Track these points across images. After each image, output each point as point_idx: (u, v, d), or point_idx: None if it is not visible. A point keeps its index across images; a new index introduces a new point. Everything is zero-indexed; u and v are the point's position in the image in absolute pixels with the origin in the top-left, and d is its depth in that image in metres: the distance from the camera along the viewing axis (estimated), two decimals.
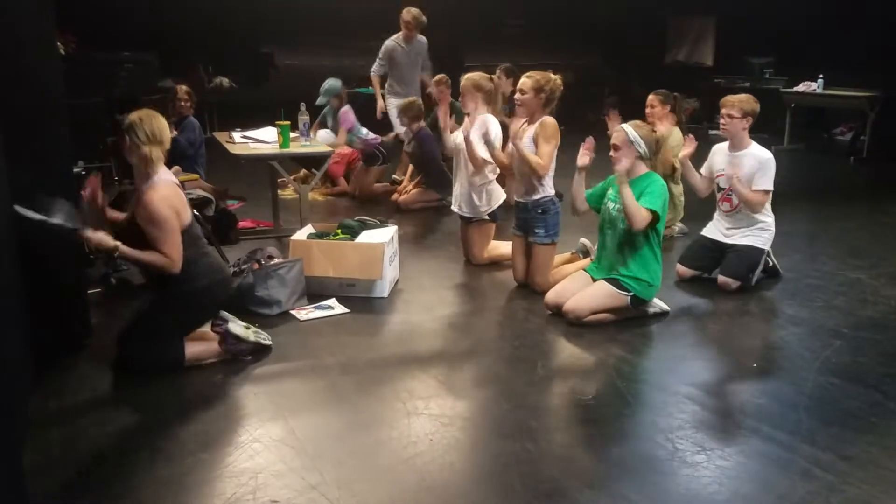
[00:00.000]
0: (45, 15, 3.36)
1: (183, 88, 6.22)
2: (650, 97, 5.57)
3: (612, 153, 3.96)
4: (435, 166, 6.65)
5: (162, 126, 3.36)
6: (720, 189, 4.62)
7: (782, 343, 3.82)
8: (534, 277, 4.45)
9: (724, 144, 4.61)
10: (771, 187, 4.41)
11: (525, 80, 4.43)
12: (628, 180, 3.86)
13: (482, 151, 4.73)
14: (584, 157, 4.09)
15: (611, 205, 4.03)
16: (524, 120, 4.50)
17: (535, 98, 4.37)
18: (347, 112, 7.19)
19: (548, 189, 4.44)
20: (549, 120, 4.38)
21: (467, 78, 4.92)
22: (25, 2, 3.22)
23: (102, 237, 3.21)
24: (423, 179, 6.78)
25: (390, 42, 7.56)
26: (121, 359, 3.39)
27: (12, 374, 2.59)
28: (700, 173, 4.72)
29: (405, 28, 7.53)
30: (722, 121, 4.55)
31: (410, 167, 7.03)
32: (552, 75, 4.46)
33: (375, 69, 7.63)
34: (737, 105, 4.48)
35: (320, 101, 7.17)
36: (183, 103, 6.11)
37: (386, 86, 7.68)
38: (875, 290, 4.46)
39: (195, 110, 6.27)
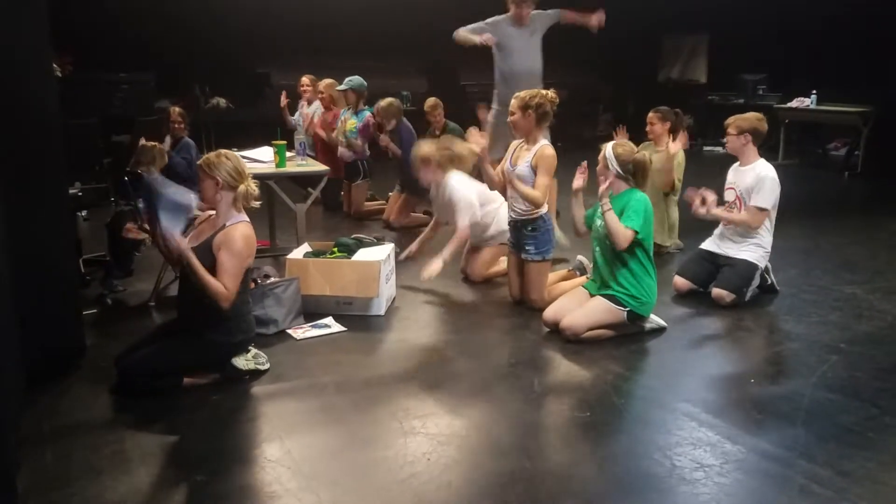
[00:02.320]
0: (40, 37, 3.38)
1: (176, 110, 6.24)
2: (650, 115, 5.63)
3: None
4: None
5: (243, 166, 3.54)
6: (724, 202, 4.66)
7: (779, 358, 3.82)
8: (529, 294, 4.45)
9: (737, 162, 4.71)
10: (766, 206, 4.44)
11: (512, 101, 4.46)
12: (610, 197, 3.90)
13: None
14: (577, 180, 4.12)
15: (598, 222, 4.05)
16: (521, 140, 4.52)
17: (524, 117, 4.39)
18: (370, 120, 7.02)
19: (540, 207, 4.45)
20: (549, 151, 4.38)
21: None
22: (21, 24, 3.24)
23: (182, 241, 3.27)
24: (400, 181, 6.75)
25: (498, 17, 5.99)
26: (119, 378, 3.38)
27: (6, 393, 2.58)
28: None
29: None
30: (724, 139, 4.70)
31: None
32: (541, 91, 4.49)
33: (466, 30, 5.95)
34: (732, 123, 4.62)
35: (341, 87, 7.02)
36: (177, 125, 6.14)
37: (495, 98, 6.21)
38: (870, 304, 4.47)
39: (191, 131, 6.30)
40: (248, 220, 3.52)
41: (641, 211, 3.88)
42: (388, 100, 6.94)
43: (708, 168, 4.94)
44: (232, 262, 3.35)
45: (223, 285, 3.32)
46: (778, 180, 4.49)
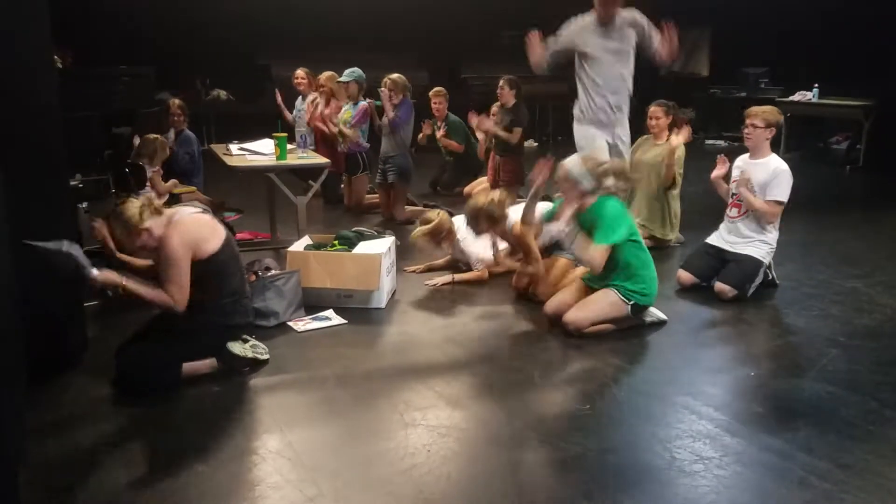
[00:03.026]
0: (41, 29, 3.38)
1: (175, 103, 6.24)
2: (652, 108, 5.59)
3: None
4: (400, 146, 6.65)
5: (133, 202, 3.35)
6: (732, 194, 4.65)
7: (779, 352, 3.83)
8: (535, 287, 4.44)
9: (746, 155, 4.67)
10: (784, 198, 4.44)
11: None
12: (578, 215, 3.91)
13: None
14: (539, 177, 4.02)
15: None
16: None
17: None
18: (366, 107, 6.97)
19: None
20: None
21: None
22: (21, 17, 3.24)
23: (108, 275, 3.23)
24: (381, 171, 6.75)
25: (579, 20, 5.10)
26: (118, 371, 3.38)
27: (8, 386, 2.58)
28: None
29: None
30: (746, 130, 4.59)
31: None
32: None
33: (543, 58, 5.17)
34: (760, 115, 4.53)
35: (343, 79, 6.92)
36: (176, 118, 6.13)
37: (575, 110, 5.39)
38: (871, 298, 4.47)
39: (191, 123, 6.29)
40: (171, 220, 3.35)
41: (609, 225, 3.82)
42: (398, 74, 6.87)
43: (709, 162, 4.92)
44: (167, 271, 3.27)
45: (169, 294, 3.26)
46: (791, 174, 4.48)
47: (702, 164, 4.77)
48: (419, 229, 4.84)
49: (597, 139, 5.20)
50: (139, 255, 3.46)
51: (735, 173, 4.66)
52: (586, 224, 3.89)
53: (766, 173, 4.47)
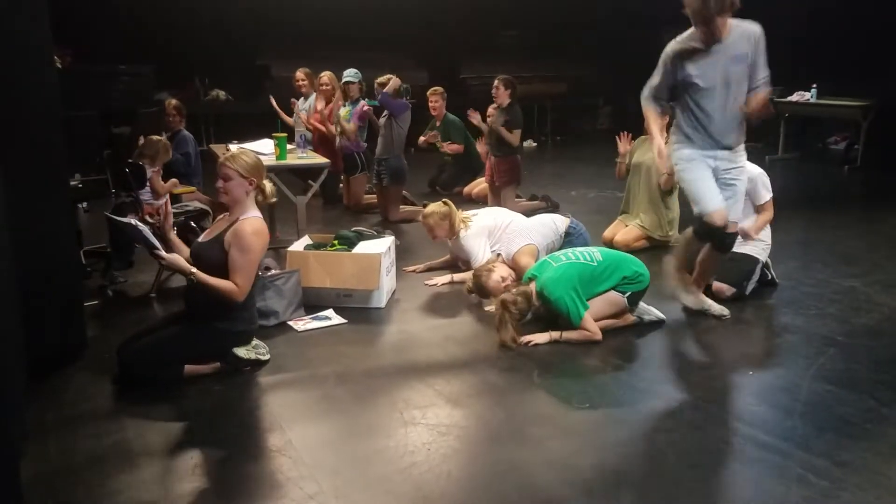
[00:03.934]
0: (41, 28, 3.39)
1: (171, 103, 6.24)
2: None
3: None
4: (394, 147, 6.67)
5: (260, 164, 3.57)
6: None
7: (777, 350, 3.84)
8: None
9: None
10: (770, 195, 4.47)
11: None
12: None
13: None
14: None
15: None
16: None
17: None
18: (364, 108, 6.97)
19: None
20: None
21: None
22: (21, 16, 3.25)
23: (178, 259, 3.31)
24: (377, 171, 6.77)
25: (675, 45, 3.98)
26: (120, 365, 3.39)
27: (9, 384, 2.59)
28: None
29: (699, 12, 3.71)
30: None
31: None
32: None
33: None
34: None
35: (349, 79, 6.91)
36: (171, 118, 6.13)
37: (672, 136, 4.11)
38: (868, 297, 4.49)
39: (190, 123, 6.29)
40: (259, 215, 3.53)
41: (572, 299, 3.78)
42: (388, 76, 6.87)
43: None
44: (243, 259, 3.37)
45: (235, 283, 3.35)
46: (763, 171, 4.51)
47: None
48: (432, 207, 4.90)
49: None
50: (219, 197, 3.55)
51: None
52: (551, 315, 3.89)
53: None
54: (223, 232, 3.44)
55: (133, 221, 3.47)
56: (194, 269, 3.31)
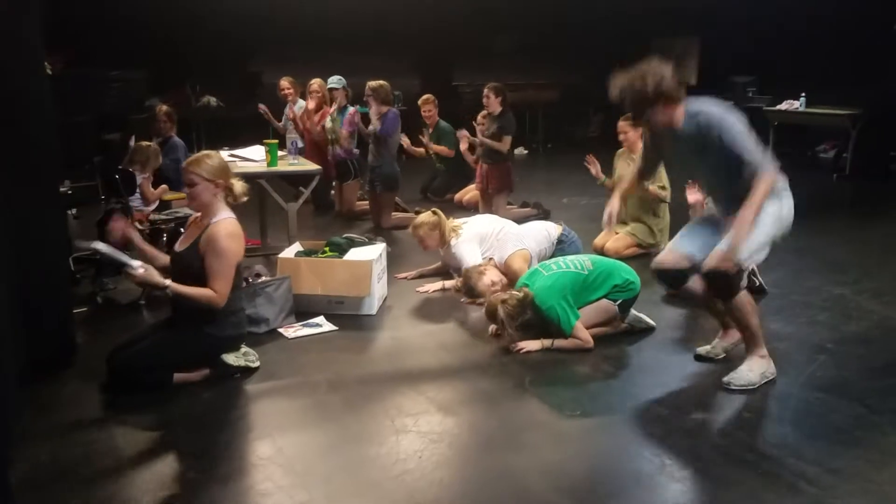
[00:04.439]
0: (33, 34, 3.37)
1: (163, 109, 6.22)
2: (620, 123, 5.62)
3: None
4: (387, 155, 6.69)
5: (226, 165, 3.51)
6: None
7: None
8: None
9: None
10: None
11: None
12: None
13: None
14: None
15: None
16: None
17: None
18: (355, 115, 7.00)
19: None
20: None
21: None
22: (14, 21, 3.23)
23: (150, 274, 3.25)
24: (370, 178, 6.79)
25: None
26: (110, 371, 3.37)
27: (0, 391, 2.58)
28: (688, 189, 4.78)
29: None
30: None
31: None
32: None
33: None
34: None
35: (333, 86, 6.94)
36: (162, 124, 6.11)
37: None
38: (858, 304, 4.51)
39: (182, 129, 6.27)
40: (233, 216, 3.47)
41: (564, 310, 3.79)
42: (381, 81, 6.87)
43: None
44: (219, 264, 3.32)
45: (213, 289, 3.31)
46: None
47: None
48: (421, 218, 4.90)
49: None
50: (188, 204, 3.57)
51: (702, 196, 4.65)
52: (543, 323, 3.88)
53: None
54: (197, 238, 3.40)
55: (95, 246, 3.32)
56: (168, 283, 3.26)
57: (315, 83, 7.32)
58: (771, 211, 3.34)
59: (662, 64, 3.25)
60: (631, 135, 5.53)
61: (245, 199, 3.58)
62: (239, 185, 3.51)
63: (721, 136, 3.24)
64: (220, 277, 3.32)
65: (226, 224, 3.39)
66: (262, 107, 7.87)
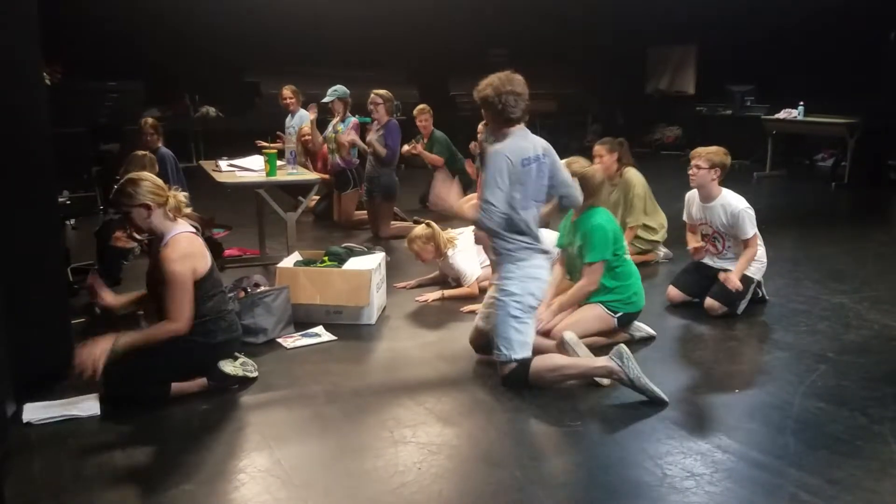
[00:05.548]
0: (30, 44, 3.37)
1: (149, 122, 6.21)
2: (595, 147, 5.63)
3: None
4: (386, 167, 6.68)
5: (150, 184, 3.36)
6: (704, 236, 4.66)
7: (768, 368, 3.84)
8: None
9: (696, 192, 4.66)
10: (753, 232, 4.42)
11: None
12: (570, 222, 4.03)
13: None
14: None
15: (572, 250, 4.06)
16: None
17: None
18: (355, 124, 6.96)
19: None
20: None
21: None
22: (10, 31, 3.23)
23: (100, 343, 3.19)
24: (368, 187, 6.80)
25: None
26: (105, 387, 3.34)
27: None
28: (688, 232, 4.82)
29: None
30: (690, 171, 4.57)
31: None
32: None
33: None
34: (704, 156, 4.50)
35: (326, 99, 6.94)
36: (149, 137, 6.10)
37: None
38: (858, 314, 4.50)
39: (180, 140, 6.27)
40: (185, 230, 3.38)
41: (599, 242, 3.87)
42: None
43: None
44: (171, 290, 3.24)
45: (170, 318, 3.25)
46: (749, 204, 4.46)
47: (686, 185, 4.75)
48: (415, 232, 4.88)
49: None
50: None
51: (696, 216, 4.66)
52: (580, 233, 3.90)
53: (724, 216, 4.46)
54: (156, 264, 3.33)
55: (29, 419, 3.15)
56: (114, 342, 3.20)
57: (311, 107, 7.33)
58: None
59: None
60: (606, 159, 5.53)
61: (188, 209, 3.47)
62: (175, 197, 3.39)
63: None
64: (175, 304, 3.24)
65: (174, 244, 3.29)
66: (259, 143, 7.77)
